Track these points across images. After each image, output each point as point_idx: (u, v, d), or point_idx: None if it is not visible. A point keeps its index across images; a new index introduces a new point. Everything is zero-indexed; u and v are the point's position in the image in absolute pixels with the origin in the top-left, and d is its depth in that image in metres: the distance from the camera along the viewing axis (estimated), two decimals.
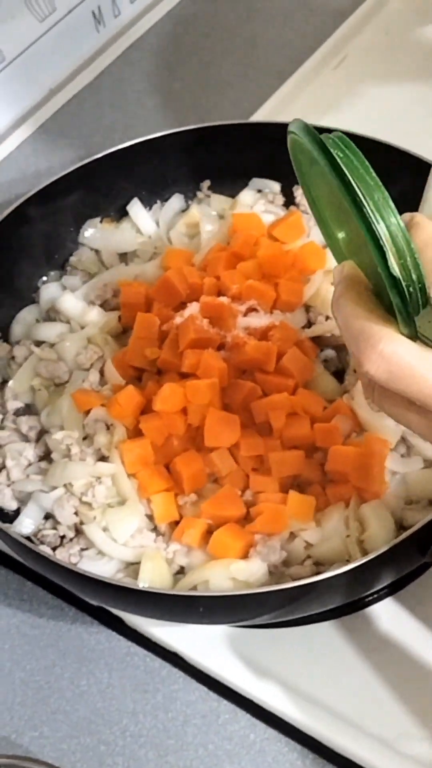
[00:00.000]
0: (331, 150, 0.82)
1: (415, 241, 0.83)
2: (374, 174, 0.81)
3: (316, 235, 1.35)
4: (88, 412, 1.21)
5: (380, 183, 0.81)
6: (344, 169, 0.81)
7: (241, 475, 1.16)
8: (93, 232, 1.40)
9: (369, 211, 0.80)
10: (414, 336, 0.84)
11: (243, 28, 1.77)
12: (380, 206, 0.80)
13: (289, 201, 1.41)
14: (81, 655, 1.20)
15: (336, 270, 0.90)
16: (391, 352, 0.82)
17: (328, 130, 1.34)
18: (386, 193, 0.81)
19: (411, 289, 0.81)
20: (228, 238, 1.35)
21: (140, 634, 1.19)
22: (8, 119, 1.66)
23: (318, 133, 1.26)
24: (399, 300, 0.81)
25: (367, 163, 0.82)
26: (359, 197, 0.80)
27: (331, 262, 1.31)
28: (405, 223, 0.82)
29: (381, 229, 0.80)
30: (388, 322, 0.84)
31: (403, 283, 0.81)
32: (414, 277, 0.81)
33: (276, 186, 1.41)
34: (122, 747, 1.14)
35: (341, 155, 0.82)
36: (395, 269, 0.80)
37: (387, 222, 0.80)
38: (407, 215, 0.87)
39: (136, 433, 1.19)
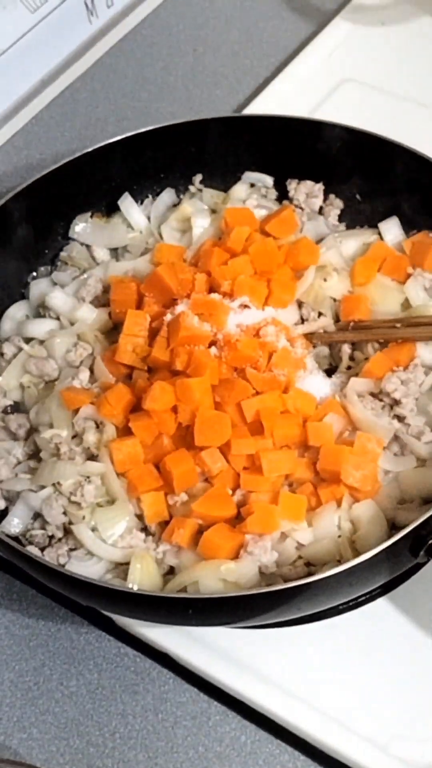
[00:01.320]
0: None
1: None
2: None
3: (308, 231, 1.34)
4: (77, 411, 1.20)
5: None
6: None
7: (231, 474, 1.15)
8: (83, 227, 1.38)
9: None
10: None
11: (237, 19, 1.76)
12: None
13: (283, 195, 1.39)
14: (70, 656, 1.19)
15: None
16: None
17: (320, 124, 1.35)
18: None
19: None
20: (220, 233, 1.34)
21: (130, 635, 1.18)
22: (0, 111, 1.65)
23: (311, 126, 1.25)
24: None
25: None
26: None
27: (324, 257, 1.30)
28: None
29: None
30: None
31: None
32: None
33: (269, 180, 1.39)
34: (112, 749, 1.13)
35: None
36: None
37: None
38: None
39: (125, 431, 1.18)
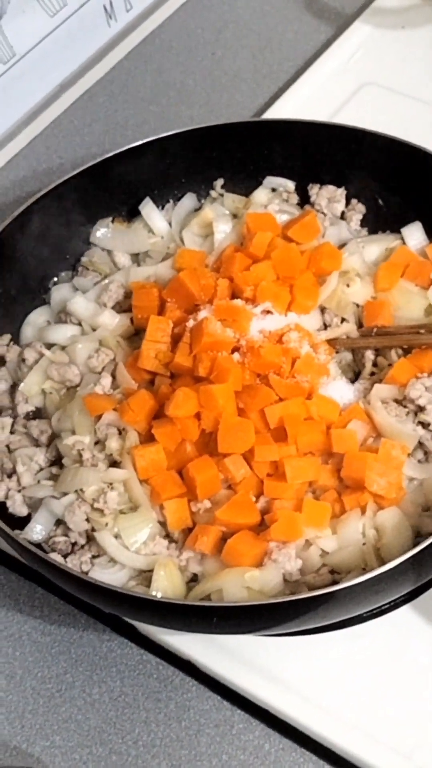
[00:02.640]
0: None
1: None
2: None
3: (331, 236, 1.33)
4: (99, 417, 1.19)
5: None
6: None
7: (255, 481, 1.15)
8: (104, 232, 1.38)
9: None
10: None
11: (256, 23, 1.75)
12: None
13: (304, 200, 1.38)
14: (93, 663, 1.18)
15: None
16: None
17: (341, 128, 1.35)
18: None
19: None
20: (242, 238, 1.33)
21: (153, 642, 1.18)
22: (19, 115, 1.65)
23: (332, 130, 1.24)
24: None
25: None
26: None
27: (347, 262, 1.30)
28: None
29: None
30: None
31: None
32: None
33: (290, 184, 1.39)
34: (135, 757, 1.12)
35: None
36: None
37: None
38: None
39: (148, 438, 1.17)
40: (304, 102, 1.59)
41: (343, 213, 1.37)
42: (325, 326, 1.27)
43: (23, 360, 1.28)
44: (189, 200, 1.40)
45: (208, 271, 1.29)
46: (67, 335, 1.29)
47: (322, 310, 1.28)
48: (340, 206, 1.37)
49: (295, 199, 1.39)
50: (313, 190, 1.37)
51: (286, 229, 1.33)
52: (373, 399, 1.19)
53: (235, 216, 1.38)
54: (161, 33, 1.76)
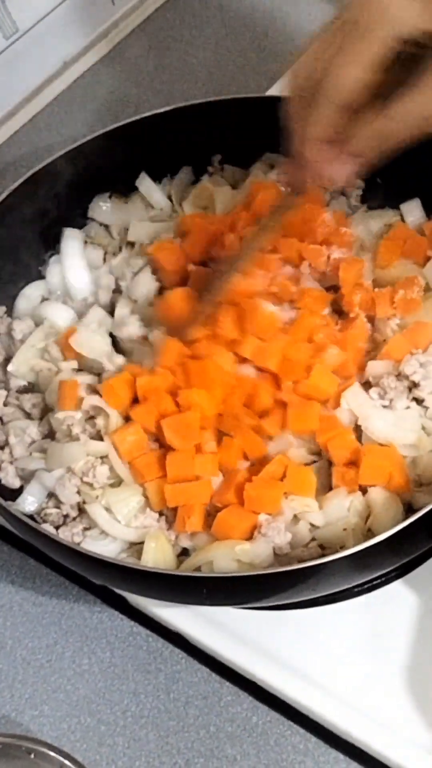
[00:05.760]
0: None
1: None
2: None
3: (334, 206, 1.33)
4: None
5: None
6: None
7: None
8: (103, 207, 1.38)
9: None
10: None
11: (260, 2, 1.75)
12: None
13: None
14: (83, 634, 1.19)
15: None
16: None
17: None
18: None
19: None
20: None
21: (143, 614, 1.18)
22: (21, 92, 1.65)
23: None
24: None
25: None
26: None
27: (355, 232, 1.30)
28: None
29: None
30: None
31: None
32: None
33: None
34: (123, 727, 1.13)
35: None
36: None
37: None
38: None
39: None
40: None
41: (343, 189, 1.37)
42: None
43: (11, 332, 1.27)
44: (186, 174, 1.40)
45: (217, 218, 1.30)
46: (64, 317, 1.28)
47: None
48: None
49: None
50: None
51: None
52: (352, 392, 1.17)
53: (234, 187, 1.38)
54: (165, 11, 1.76)
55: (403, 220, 1.32)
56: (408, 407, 1.16)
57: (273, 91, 1.58)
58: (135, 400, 1.16)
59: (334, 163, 1.02)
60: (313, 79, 0.99)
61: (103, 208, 1.38)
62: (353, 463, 1.12)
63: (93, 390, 1.19)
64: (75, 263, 1.33)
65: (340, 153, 1.01)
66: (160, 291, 1.28)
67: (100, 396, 1.17)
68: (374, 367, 1.19)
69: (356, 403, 1.14)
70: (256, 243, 1.20)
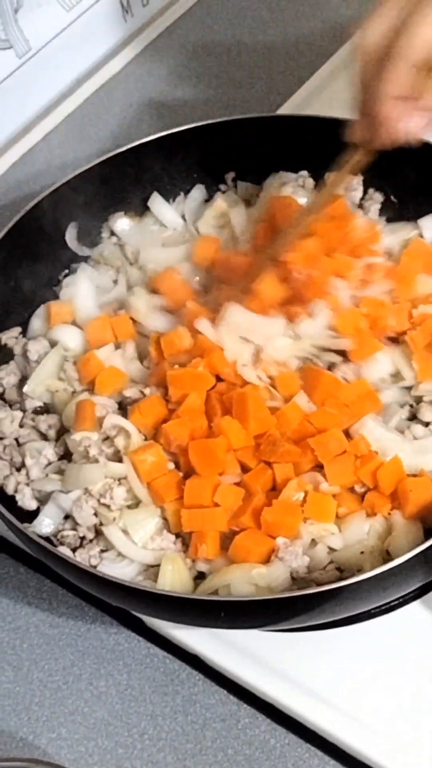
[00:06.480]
0: None
1: None
2: None
3: None
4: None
5: None
6: None
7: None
8: (117, 226, 1.38)
9: None
10: None
11: (273, 19, 1.75)
12: None
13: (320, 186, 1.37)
14: (100, 656, 1.18)
15: None
16: None
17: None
18: None
19: None
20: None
21: (160, 636, 1.18)
22: (35, 110, 1.65)
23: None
24: None
25: None
26: None
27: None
28: None
29: None
30: None
31: None
32: None
33: (304, 172, 1.38)
34: (140, 750, 1.12)
35: None
36: None
37: None
38: None
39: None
40: (319, 98, 1.58)
41: (361, 204, 1.37)
42: None
43: (26, 353, 1.27)
44: (199, 192, 1.40)
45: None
46: (76, 339, 1.28)
47: None
48: (358, 194, 1.36)
49: (311, 184, 1.38)
50: (330, 178, 1.36)
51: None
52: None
53: (248, 203, 1.38)
54: (177, 29, 1.76)
55: (421, 235, 1.31)
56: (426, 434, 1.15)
57: (285, 109, 1.59)
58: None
59: (408, 119, 1.07)
60: (387, 38, 1.05)
61: (118, 227, 1.38)
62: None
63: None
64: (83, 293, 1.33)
65: (413, 109, 1.06)
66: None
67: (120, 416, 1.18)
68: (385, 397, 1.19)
69: (373, 438, 1.14)
70: (304, 219, 1.24)
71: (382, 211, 1.37)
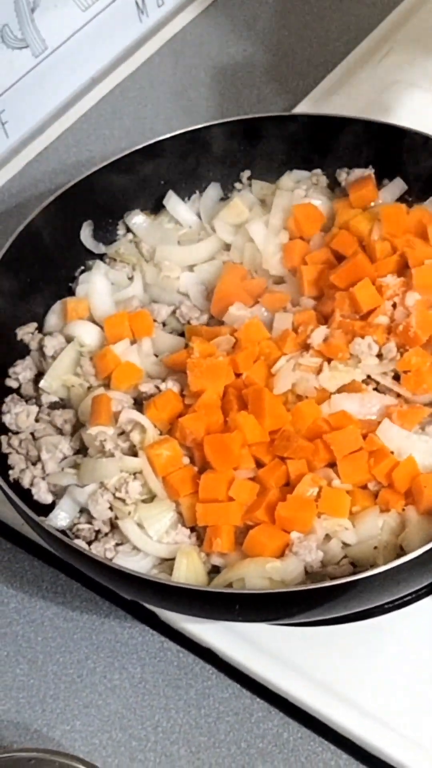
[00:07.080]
0: None
1: None
2: None
3: None
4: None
5: None
6: None
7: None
8: (133, 224, 1.39)
9: None
10: None
11: (288, 19, 1.76)
12: None
13: (334, 184, 1.39)
14: (114, 649, 1.19)
15: None
16: None
17: (371, 123, 1.35)
18: None
19: None
20: (291, 232, 1.33)
21: (174, 629, 1.18)
22: (50, 108, 1.66)
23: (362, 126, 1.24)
24: None
25: None
26: None
27: None
28: None
29: None
30: None
31: None
32: None
33: (318, 170, 1.39)
34: (154, 743, 1.13)
35: None
36: None
37: None
38: None
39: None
40: (334, 97, 1.59)
41: None
42: None
43: (42, 348, 1.28)
44: (214, 190, 1.41)
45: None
46: (92, 335, 1.29)
47: None
48: None
49: (324, 182, 1.38)
50: (342, 175, 1.37)
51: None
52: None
53: (263, 202, 1.38)
54: (192, 28, 1.77)
55: None
56: None
57: (300, 108, 1.59)
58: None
59: None
60: None
61: (134, 224, 1.39)
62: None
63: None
64: (99, 289, 1.34)
65: None
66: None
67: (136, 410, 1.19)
68: None
69: (387, 438, 1.14)
70: None
71: None
